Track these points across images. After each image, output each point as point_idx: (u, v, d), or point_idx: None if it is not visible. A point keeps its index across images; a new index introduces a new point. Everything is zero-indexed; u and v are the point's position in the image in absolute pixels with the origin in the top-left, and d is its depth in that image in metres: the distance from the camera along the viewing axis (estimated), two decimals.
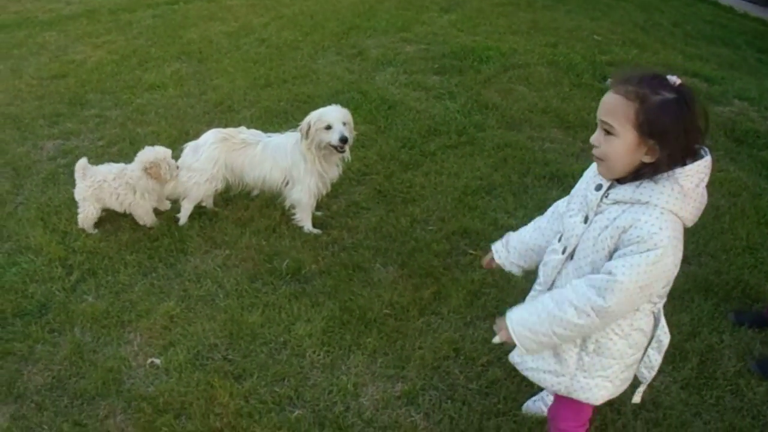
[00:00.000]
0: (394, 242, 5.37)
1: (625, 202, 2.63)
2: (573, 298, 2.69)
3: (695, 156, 2.55)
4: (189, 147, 5.65)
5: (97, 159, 6.19)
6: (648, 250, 2.51)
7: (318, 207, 5.68)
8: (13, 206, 6.06)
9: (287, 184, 5.48)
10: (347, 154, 5.45)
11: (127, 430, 3.86)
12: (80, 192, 5.50)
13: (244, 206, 5.74)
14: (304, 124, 5.26)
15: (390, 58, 8.98)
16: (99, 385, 4.13)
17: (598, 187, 2.76)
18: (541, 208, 5.52)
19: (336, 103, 6.07)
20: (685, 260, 2.68)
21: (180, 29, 10.13)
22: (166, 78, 8.58)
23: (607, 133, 2.58)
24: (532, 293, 3.21)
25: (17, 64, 9.42)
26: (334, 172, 5.51)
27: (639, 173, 2.60)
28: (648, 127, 2.50)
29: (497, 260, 3.49)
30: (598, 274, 2.67)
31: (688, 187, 2.53)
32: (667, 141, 2.49)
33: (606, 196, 2.72)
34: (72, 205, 5.67)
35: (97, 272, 5.15)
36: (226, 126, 6.77)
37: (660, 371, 4.09)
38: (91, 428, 3.89)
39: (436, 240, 5.36)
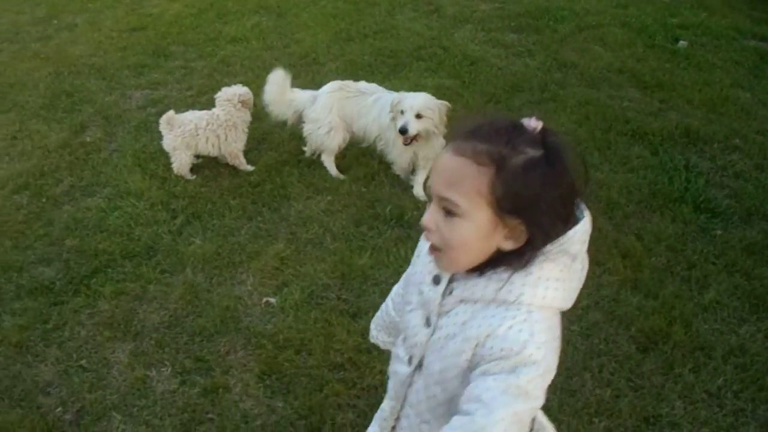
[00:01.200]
0: None
1: (477, 301, 1.86)
2: None
3: (573, 221, 1.88)
4: (308, 96, 5.83)
5: (187, 108, 6.33)
6: (518, 367, 1.74)
7: None
8: (108, 153, 6.27)
9: (382, 142, 5.62)
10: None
11: (249, 365, 4.04)
12: (170, 142, 5.67)
13: (341, 155, 5.87)
14: (391, 102, 5.32)
15: (466, 16, 9.04)
16: (217, 322, 4.32)
17: (436, 280, 1.97)
18: (624, 164, 5.72)
19: (420, 58, 6.20)
20: None
21: None
22: (246, 31, 8.71)
23: (448, 212, 1.80)
24: (379, 412, 2.36)
25: (94, 18, 9.63)
26: (427, 151, 5.43)
27: (496, 262, 1.83)
28: (510, 202, 1.74)
29: (371, 340, 2.63)
30: (459, 399, 1.82)
31: (566, 263, 1.85)
32: (538, 216, 1.76)
33: (449, 293, 1.93)
34: (164, 152, 5.86)
35: (201, 216, 5.34)
36: (312, 78, 6.94)
37: (744, 321, 4.28)
38: (213, 363, 4.08)
39: None
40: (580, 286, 1.90)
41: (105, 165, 6.08)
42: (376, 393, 3.81)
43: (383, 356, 3.99)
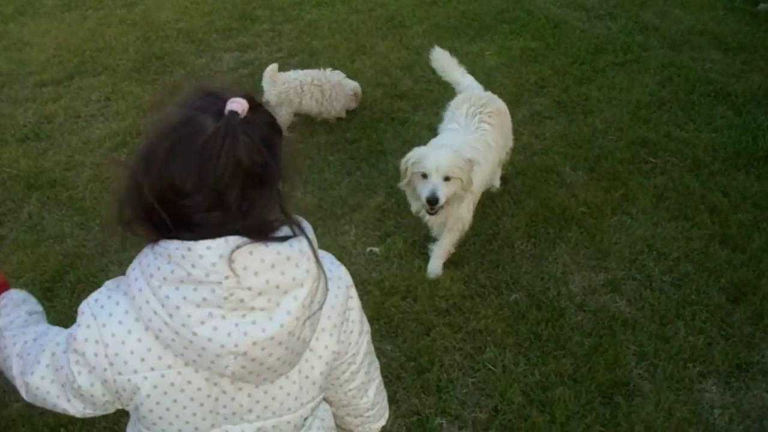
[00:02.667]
0: (580, 149, 5.67)
1: None
2: None
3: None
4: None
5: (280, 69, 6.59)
6: None
7: None
8: None
9: None
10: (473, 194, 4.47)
11: None
12: (273, 98, 5.84)
13: (433, 113, 6.07)
14: (402, 161, 4.34)
15: None
16: None
17: None
18: (709, 123, 5.87)
19: (504, 21, 6.34)
20: None
21: None
22: None
23: None
24: None
25: None
26: (458, 211, 4.44)
27: None
28: None
29: None
30: None
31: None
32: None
33: None
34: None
35: (301, 170, 5.55)
36: (400, 40, 7.14)
37: None
38: None
39: (618, 148, 5.66)
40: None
41: None
42: (481, 336, 4.06)
43: (486, 301, 4.26)
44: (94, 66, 7.62)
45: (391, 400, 3.78)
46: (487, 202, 5.07)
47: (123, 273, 1.69)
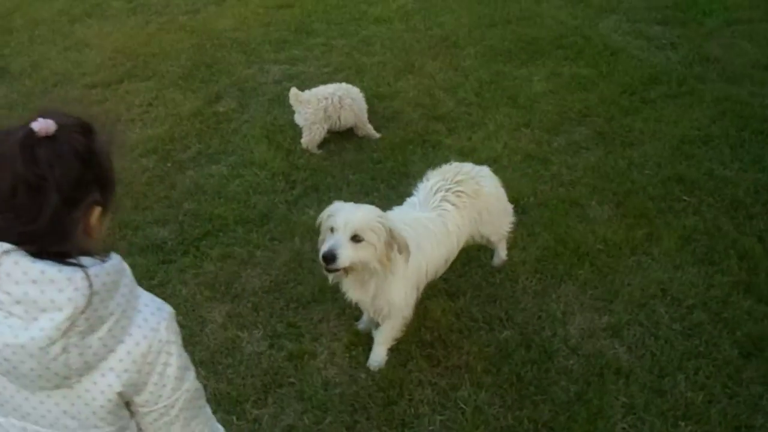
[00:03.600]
0: (611, 182, 5.36)
1: None
2: None
3: None
4: None
5: (323, 83, 6.45)
6: None
7: None
8: (239, 123, 6.43)
9: None
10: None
11: (338, 335, 4.11)
12: (309, 115, 5.79)
13: (467, 137, 5.86)
14: (320, 215, 3.75)
15: (613, 6, 8.79)
16: (315, 291, 4.39)
17: None
18: (756, 163, 5.50)
19: (560, 46, 6.11)
20: None
21: None
22: (391, 12, 8.75)
23: None
24: None
25: None
26: (356, 294, 3.76)
27: None
28: None
29: None
30: None
31: None
32: None
33: None
34: (293, 126, 6.04)
35: (319, 188, 5.45)
36: (450, 61, 6.97)
37: None
38: (304, 330, 4.16)
39: (651, 184, 5.32)
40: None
41: (234, 134, 6.26)
42: (459, 373, 3.82)
43: (474, 337, 4.01)
44: (145, 71, 7.70)
45: (352, 430, 3.64)
46: None
47: None
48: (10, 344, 1.67)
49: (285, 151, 5.91)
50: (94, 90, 7.42)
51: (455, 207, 3.98)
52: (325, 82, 6.57)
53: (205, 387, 3.24)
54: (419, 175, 5.30)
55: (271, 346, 4.06)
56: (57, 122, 1.72)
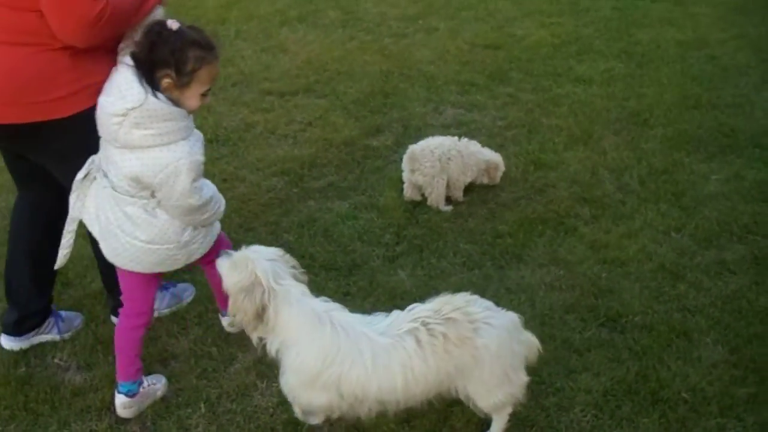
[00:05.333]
0: (741, 320, 4.58)
1: None
2: None
3: None
4: None
5: (489, 138, 6.42)
6: None
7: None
8: (385, 162, 6.22)
9: None
10: None
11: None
12: (427, 169, 5.51)
13: (606, 229, 5.38)
14: None
15: None
16: None
17: None
18: None
19: (760, 146, 6.16)
20: None
21: (633, 27, 9.61)
22: (596, 73, 8.20)
23: None
24: None
25: (458, 26, 9.55)
26: None
27: None
28: None
29: None
30: None
31: None
32: None
33: None
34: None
35: (424, 250, 5.16)
36: (632, 139, 6.54)
37: None
38: None
39: None
40: None
41: (374, 173, 6.07)
42: None
43: None
44: (324, 87, 7.71)
45: None
46: (578, 348, 4.36)
47: None
48: (105, 112, 3.24)
49: (414, 202, 5.63)
50: (268, 97, 7.46)
51: (419, 346, 3.21)
52: (493, 136, 6.33)
53: (196, 426, 3.75)
54: (534, 263, 4.93)
55: (280, 404, 3.85)
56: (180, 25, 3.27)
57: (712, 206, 5.72)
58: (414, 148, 5.57)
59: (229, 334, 4.36)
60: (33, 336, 4.25)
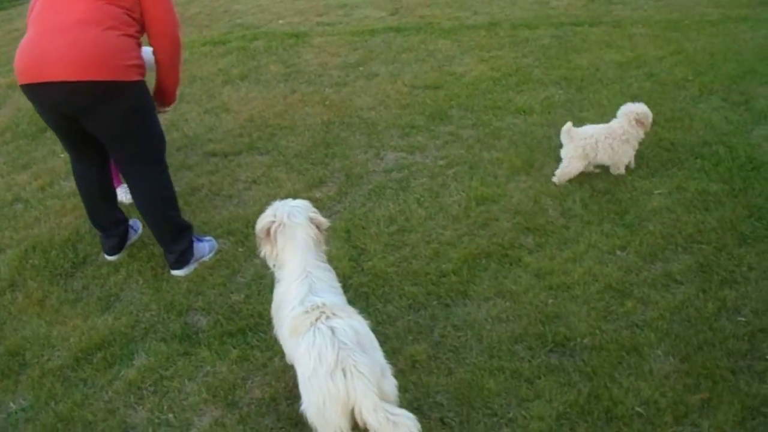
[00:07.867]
0: (690, 329, 4.58)
1: None
2: None
3: None
4: None
5: (431, 179, 6.58)
6: None
7: None
8: (329, 213, 6.15)
9: None
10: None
11: None
12: (570, 151, 6.27)
13: (550, 256, 5.39)
14: None
15: None
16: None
17: None
18: None
19: (698, 155, 6.49)
20: None
21: (572, 53, 9.68)
22: (536, 103, 8.23)
23: None
24: None
25: (398, 70, 9.62)
26: None
27: None
28: None
29: None
30: None
31: None
32: None
33: None
34: (382, 221, 5.95)
35: (370, 297, 5.13)
36: None
37: None
38: None
39: (736, 335, 4.50)
40: None
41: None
42: None
43: None
44: (266, 144, 7.74)
45: None
46: (528, 377, 4.33)
47: None
48: None
49: (358, 250, 5.63)
50: (212, 158, 7.46)
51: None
52: (435, 176, 6.33)
53: None
54: (479, 297, 4.92)
55: None
56: None
57: (656, 220, 5.74)
58: (573, 128, 6.34)
59: (184, 399, 4.33)
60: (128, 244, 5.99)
